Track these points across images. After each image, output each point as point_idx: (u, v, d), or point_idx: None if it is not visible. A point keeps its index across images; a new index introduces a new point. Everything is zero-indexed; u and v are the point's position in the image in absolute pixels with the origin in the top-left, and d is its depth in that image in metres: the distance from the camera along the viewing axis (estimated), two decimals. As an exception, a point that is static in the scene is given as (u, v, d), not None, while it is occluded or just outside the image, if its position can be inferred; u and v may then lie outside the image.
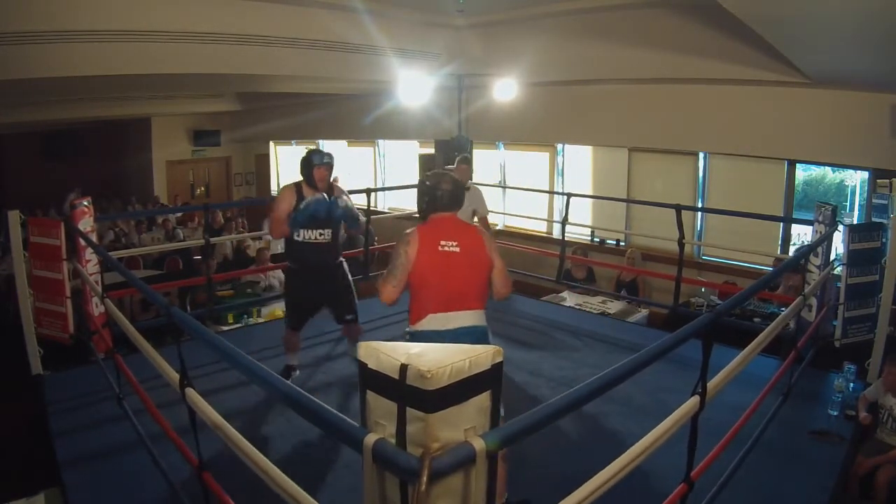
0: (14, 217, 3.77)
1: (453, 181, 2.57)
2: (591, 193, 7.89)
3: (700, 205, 6.88)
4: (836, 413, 3.49)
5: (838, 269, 3.99)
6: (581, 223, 7.29)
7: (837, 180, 6.46)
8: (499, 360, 1.34)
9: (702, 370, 1.86)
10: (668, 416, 1.79)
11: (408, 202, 10.11)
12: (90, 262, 3.84)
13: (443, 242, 2.44)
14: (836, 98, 5.40)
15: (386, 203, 10.66)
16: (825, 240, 3.81)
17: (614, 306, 6.03)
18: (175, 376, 2.00)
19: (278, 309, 5.81)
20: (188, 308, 5.66)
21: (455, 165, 4.98)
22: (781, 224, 6.32)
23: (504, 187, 8.45)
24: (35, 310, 3.91)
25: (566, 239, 5.76)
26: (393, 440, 1.27)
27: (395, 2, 6.23)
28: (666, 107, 6.58)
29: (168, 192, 12.09)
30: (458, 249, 2.43)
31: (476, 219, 4.82)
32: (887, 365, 3.40)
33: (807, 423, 3.36)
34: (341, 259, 3.86)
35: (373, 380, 1.35)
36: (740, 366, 2.13)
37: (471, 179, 4.86)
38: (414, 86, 6.90)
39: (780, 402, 3.13)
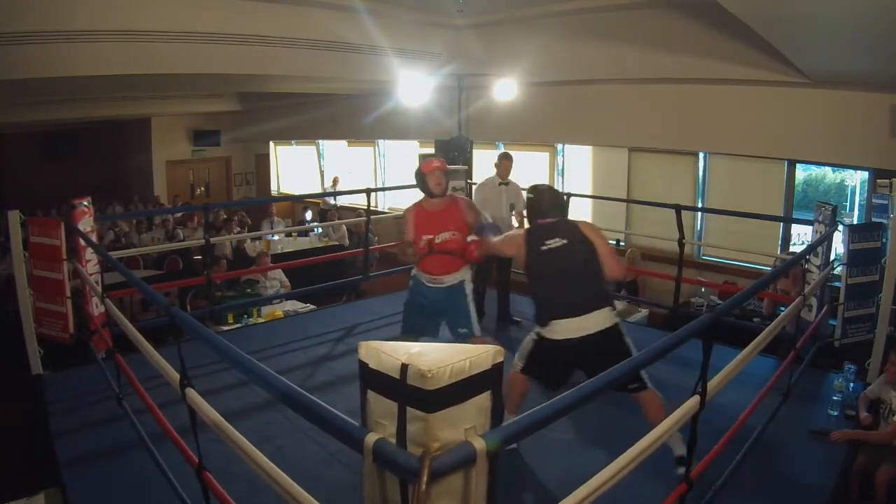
0: (14, 217, 3.77)
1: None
2: (591, 193, 7.88)
3: (700, 205, 6.88)
4: (836, 413, 3.48)
5: (838, 269, 3.99)
6: (581, 223, 7.27)
7: (837, 180, 6.46)
8: (499, 360, 1.34)
9: (702, 370, 1.86)
10: (668, 416, 1.79)
11: (408, 202, 10.10)
12: (90, 262, 3.83)
13: None
14: (836, 98, 5.39)
15: (386, 203, 10.67)
16: (825, 240, 3.80)
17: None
18: (175, 376, 2.00)
19: (278, 309, 5.81)
20: (187, 308, 5.65)
21: (497, 161, 5.05)
22: (781, 224, 6.32)
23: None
24: (35, 310, 3.90)
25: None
26: (393, 440, 1.27)
27: (395, 2, 6.24)
28: (666, 107, 6.57)
29: (168, 192, 12.08)
30: None
31: (514, 213, 4.88)
32: (893, 355, 3.37)
33: (807, 423, 3.36)
34: None
35: (373, 379, 1.34)
36: (740, 366, 2.13)
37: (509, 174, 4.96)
38: (414, 86, 6.89)
39: (780, 402, 3.13)
